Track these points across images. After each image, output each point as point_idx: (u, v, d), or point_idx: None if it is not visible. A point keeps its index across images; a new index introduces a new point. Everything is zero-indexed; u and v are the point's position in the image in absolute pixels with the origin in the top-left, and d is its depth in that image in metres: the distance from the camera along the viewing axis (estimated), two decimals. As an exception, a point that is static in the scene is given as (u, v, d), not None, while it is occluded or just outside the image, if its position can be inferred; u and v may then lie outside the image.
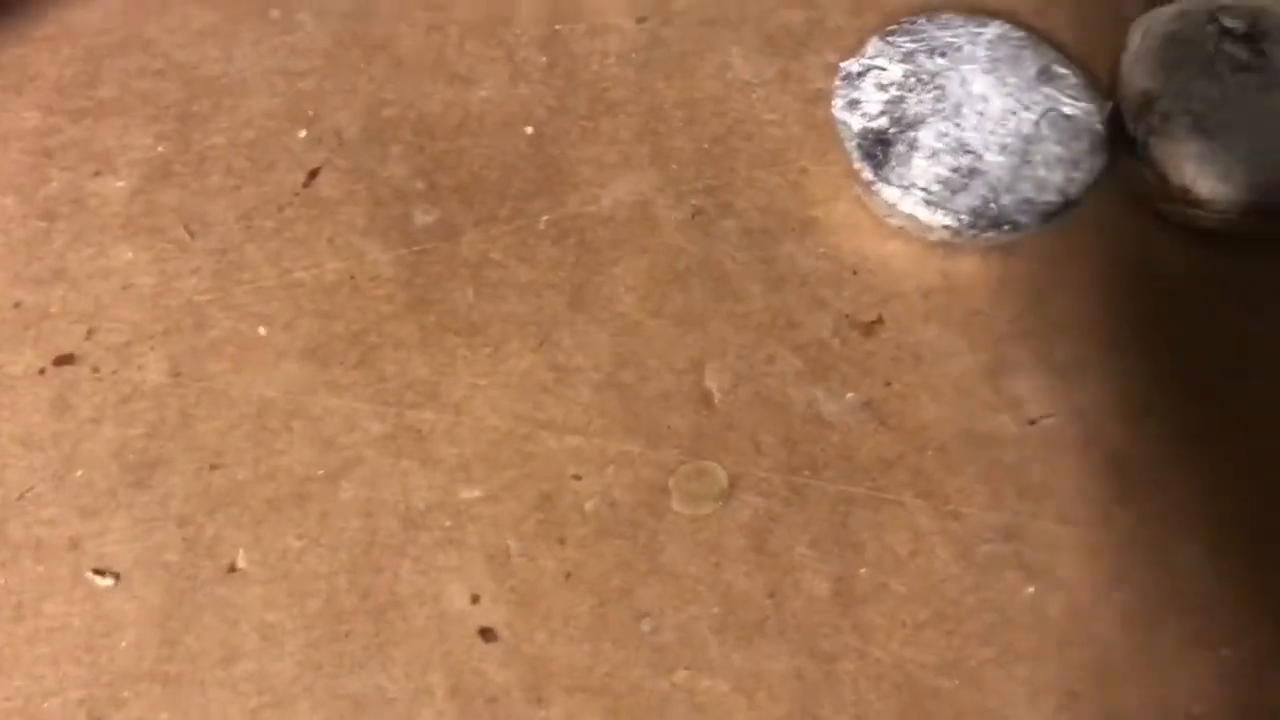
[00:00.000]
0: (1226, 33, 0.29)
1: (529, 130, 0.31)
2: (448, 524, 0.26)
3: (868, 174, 0.28)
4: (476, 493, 0.27)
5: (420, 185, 0.30)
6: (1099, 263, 0.29)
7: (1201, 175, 0.28)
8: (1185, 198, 0.28)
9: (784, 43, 0.33)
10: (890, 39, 0.30)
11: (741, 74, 0.32)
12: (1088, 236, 0.30)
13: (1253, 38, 0.29)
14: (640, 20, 0.33)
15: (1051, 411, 0.28)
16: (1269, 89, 0.28)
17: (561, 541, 0.26)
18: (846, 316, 0.29)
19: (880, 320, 0.29)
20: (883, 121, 0.29)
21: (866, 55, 0.30)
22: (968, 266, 0.29)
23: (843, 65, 0.30)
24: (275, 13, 0.33)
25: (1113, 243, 0.30)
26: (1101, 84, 0.30)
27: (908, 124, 0.29)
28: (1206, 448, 0.27)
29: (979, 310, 0.29)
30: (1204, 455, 0.27)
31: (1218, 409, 0.28)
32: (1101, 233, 0.30)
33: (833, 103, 0.29)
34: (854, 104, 0.29)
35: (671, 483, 0.27)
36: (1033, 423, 0.28)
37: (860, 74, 0.29)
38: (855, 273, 0.29)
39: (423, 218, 0.30)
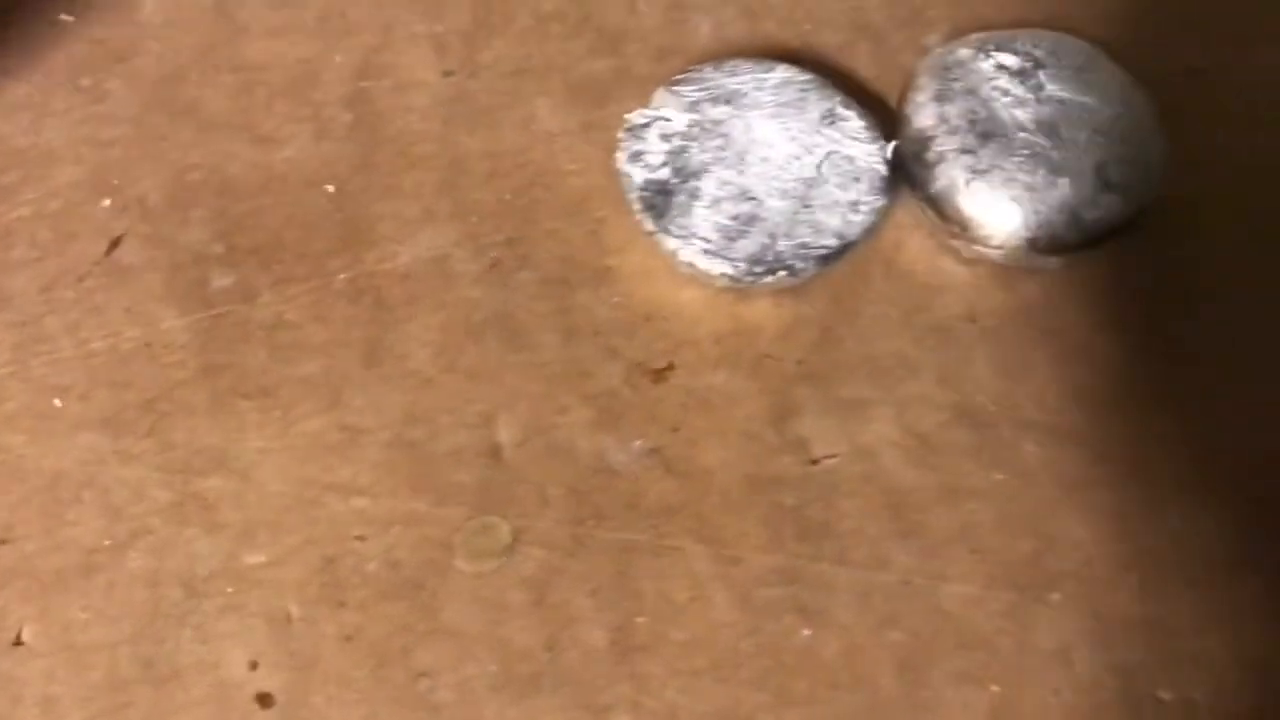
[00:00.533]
0: (1003, 69, 0.30)
1: (330, 188, 0.31)
2: (230, 590, 0.26)
3: (649, 225, 0.29)
4: (260, 558, 0.27)
5: (219, 248, 0.30)
6: (885, 301, 0.30)
7: (979, 212, 0.28)
8: (965, 234, 0.29)
9: (589, 92, 0.33)
10: (676, 89, 0.30)
11: (546, 125, 0.32)
12: (875, 275, 0.30)
13: (1027, 74, 0.30)
14: (447, 74, 0.33)
15: (834, 452, 0.28)
16: (1044, 126, 0.29)
17: (342, 604, 0.26)
18: (638, 364, 0.29)
19: (671, 367, 0.29)
20: (665, 172, 0.29)
21: (651, 106, 0.30)
22: (759, 309, 0.30)
23: (627, 117, 0.30)
24: (86, 81, 0.33)
25: (899, 281, 0.30)
26: (889, 125, 0.31)
27: (690, 173, 0.29)
28: (983, 484, 0.28)
29: (768, 353, 0.29)
30: (980, 491, 0.28)
31: (997, 443, 0.28)
32: (888, 271, 0.30)
33: (616, 155, 0.30)
34: (637, 155, 0.29)
35: (456, 540, 0.27)
36: (815, 463, 0.28)
37: (645, 125, 0.30)
38: (649, 320, 0.30)
39: (220, 281, 0.30)
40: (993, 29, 0.32)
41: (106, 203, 0.31)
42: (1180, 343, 0.29)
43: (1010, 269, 0.30)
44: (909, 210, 0.30)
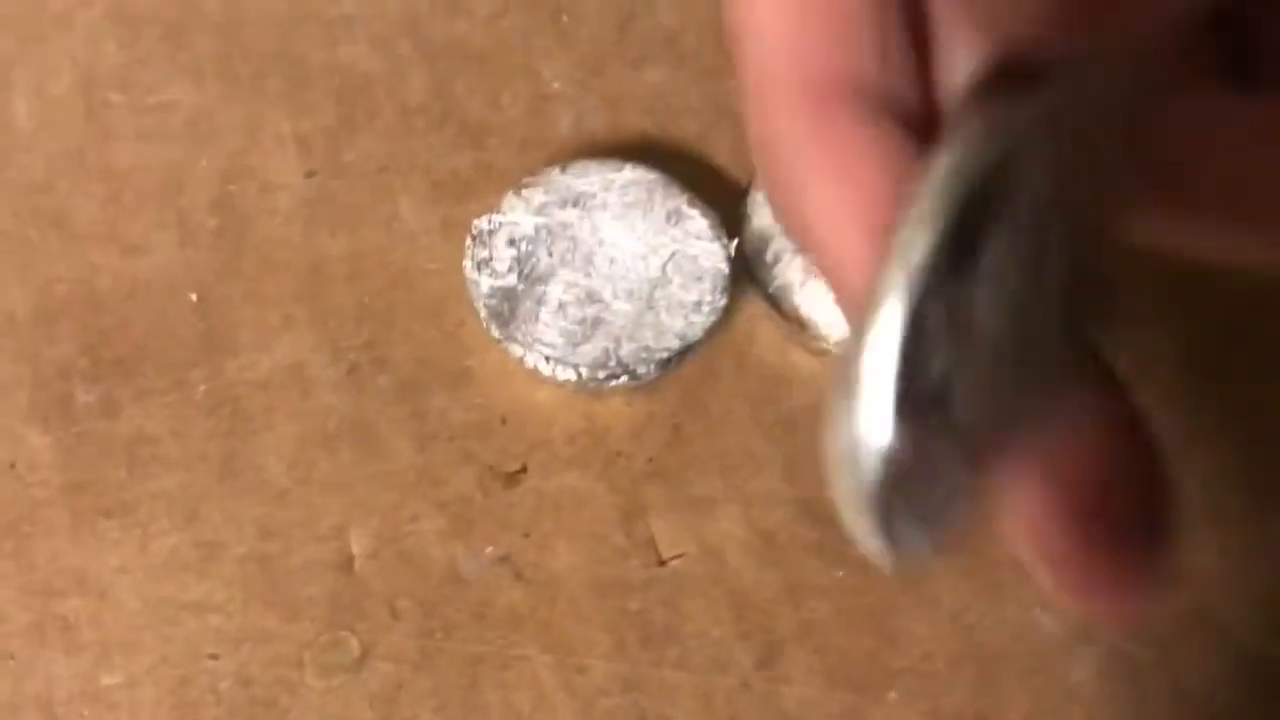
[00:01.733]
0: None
1: (194, 297, 0.32)
2: (86, 713, 0.27)
3: (495, 332, 0.29)
4: (116, 679, 0.27)
5: (84, 362, 0.31)
6: (735, 395, 0.30)
7: (815, 312, 0.29)
8: (804, 333, 0.29)
9: (450, 188, 0.33)
10: (524, 192, 0.31)
11: (408, 224, 0.33)
12: (726, 370, 0.31)
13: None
14: (310, 174, 0.34)
15: (681, 551, 0.29)
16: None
17: (195, 724, 0.27)
18: (491, 468, 0.30)
19: (524, 469, 0.30)
20: (511, 278, 0.30)
21: (500, 211, 0.31)
22: (611, 408, 0.30)
23: (475, 223, 0.30)
24: (-43, 192, 0.34)
25: (749, 374, 0.31)
26: (735, 223, 0.31)
27: (537, 278, 0.30)
28: (825, 581, 0.28)
29: (619, 451, 0.30)
30: (822, 588, 0.28)
31: (840, 539, 0.29)
32: (739, 365, 0.31)
33: (464, 263, 0.30)
34: (484, 263, 0.30)
35: (307, 656, 0.28)
36: (662, 564, 0.28)
37: (492, 231, 0.30)
38: (504, 422, 0.30)
39: (84, 396, 0.31)
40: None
41: (-25, 318, 0.32)
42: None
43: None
44: (758, 304, 0.31)
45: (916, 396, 0.13)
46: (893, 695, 0.27)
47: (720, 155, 0.33)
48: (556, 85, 0.34)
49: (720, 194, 0.32)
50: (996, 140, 0.13)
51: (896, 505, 0.14)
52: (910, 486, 0.14)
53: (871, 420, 0.13)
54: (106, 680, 0.27)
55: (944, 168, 0.13)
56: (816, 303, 0.29)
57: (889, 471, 0.13)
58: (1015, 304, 0.14)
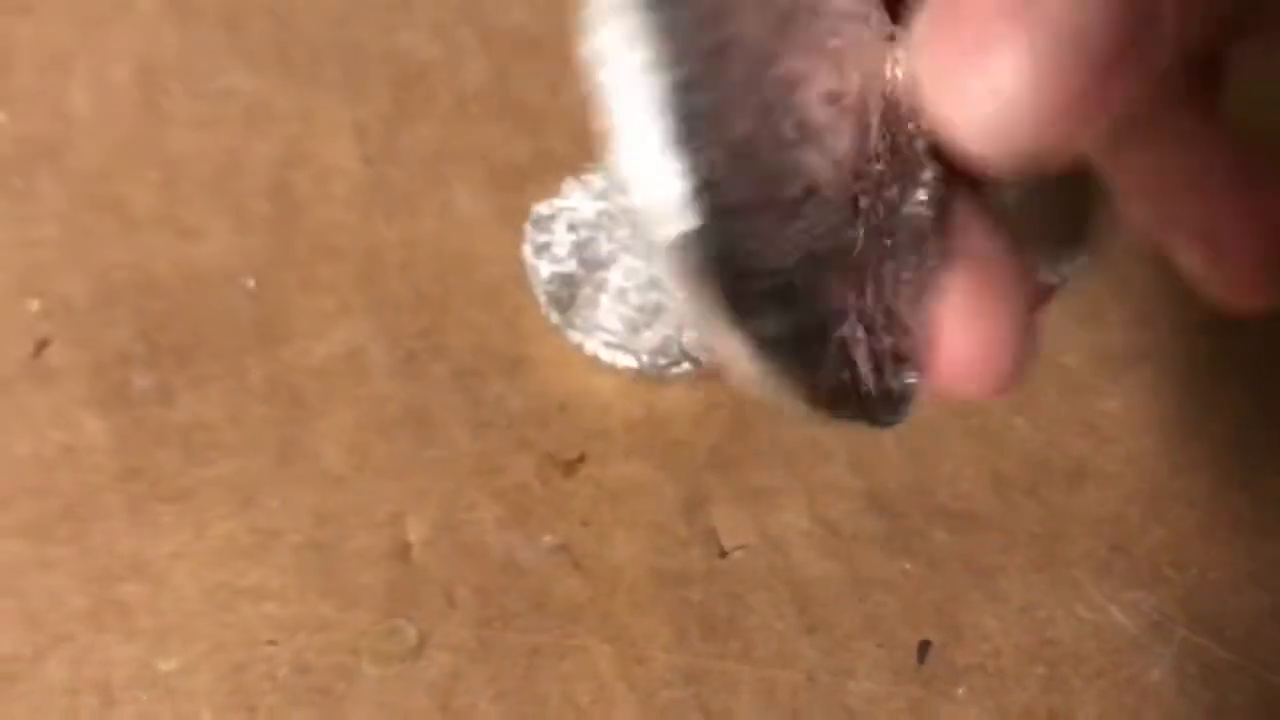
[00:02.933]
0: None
1: (250, 283, 0.32)
2: (144, 698, 0.27)
3: (554, 318, 0.29)
4: (173, 664, 0.27)
5: (141, 348, 0.31)
6: (797, 386, 0.30)
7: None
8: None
9: (508, 177, 0.33)
10: (584, 177, 0.30)
11: (464, 211, 0.33)
12: (788, 359, 0.30)
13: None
14: (367, 161, 0.33)
15: (743, 543, 0.28)
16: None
17: (252, 710, 0.27)
18: (549, 456, 0.29)
19: (582, 458, 0.29)
20: (571, 264, 0.29)
21: (560, 196, 0.30)
22: (672, 396, 0.30)
23: (534, 208, 0.30)
24: (18, 181, 0.34)
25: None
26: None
27: (597, 264, 0.29)
28: (892, 574, 0.27)
29: (680, 441, 0.29)
30: (888, 582, 0.27)
31: (907, 531, 0.28)
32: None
33: (523, 248, 0.30)
34: (543, 248, 0.29)
35: (363, 644, 0.27)
36: (724, 555, 0.28)
37: (551, 216, 0.30)
38: (563, 409, 0.30)
39: (140, 382, 0.30)
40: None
41: (34, 305, 0.32)
42: (1101, 421, 0.29)
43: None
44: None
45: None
46: (960, 691, 0.26)
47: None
48: (614, 72, 0.34)
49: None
50: None
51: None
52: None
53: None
54: (163, 665, 0.27)
55: None
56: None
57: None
58: None
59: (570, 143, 0.33)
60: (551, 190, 0.32)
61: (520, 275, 0.31)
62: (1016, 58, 0.14)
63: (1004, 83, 0.14)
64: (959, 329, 0.16)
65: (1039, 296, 0.18)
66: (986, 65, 0.14)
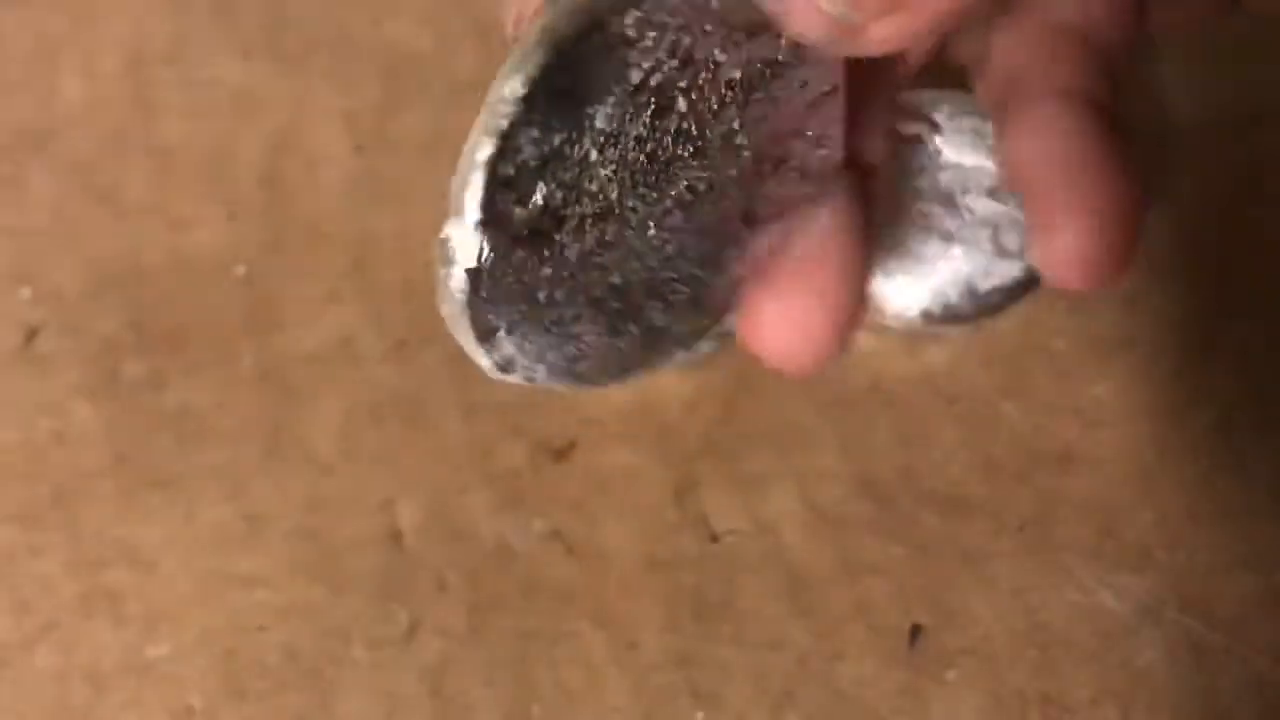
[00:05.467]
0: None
1: (241, 271, 0.32)
2: (134, 684, 0.27)
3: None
4: (163, 651, 0.27)
5: (131, 336, 0.31)
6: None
7: (873, 285, 0.28)
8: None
9: (498, 163, 0.33)
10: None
11: (455, 198, 0.33)
12: (779, 345, 0.30)
13: (923, 139, 0.29)
14: (358, 149, 0.33)
15: (735, 528, 0.28)
16: (939, 193, 0.29)
17: (242, 696, 0.27)
18: (540, 442, 0.29)
19: (573, 444, 0.29)
20: (561, 249, 0.29)
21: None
22: (663, 382, 0.30)
23: (524, 194, 0.30)
24: (8, 170, 0.34)
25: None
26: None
27: (587, 250, 0.29)
28: (882, 558, 0.27)
29: (671, 427, 0.29)
30: (879, 566, 0.27)
31: (897, 516, 0.28)
32: (792, 341, 0.30)
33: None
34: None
35: (355, 629, 0.27)
36: (715, 540, 0.28)
37: (541, 202, 0.30)
38: (553, 396, 0.30)
39: (131, 369, 0.30)
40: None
41: (26, 293, 0.32)
42: (1091, 406, 0.29)
43: (915, 337, 0.30)
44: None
45: (503, 212, 0.17)
46: (951, 675, 0.26)
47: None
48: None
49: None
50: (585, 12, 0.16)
51: (484, 306, 0.17)
52: (502, 295, 0.17)
53: (459, 222, 0.17)
54: (153, 652, 0.27)
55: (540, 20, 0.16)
56: (874, 276, 0.28)
57: (470, 273, 0.17)
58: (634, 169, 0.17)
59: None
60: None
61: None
62: None
63: None
64: (775, 316, 0.19)
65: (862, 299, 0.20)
66: None
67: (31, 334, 0.31)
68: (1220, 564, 0.27)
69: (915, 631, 0.27)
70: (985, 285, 0.28)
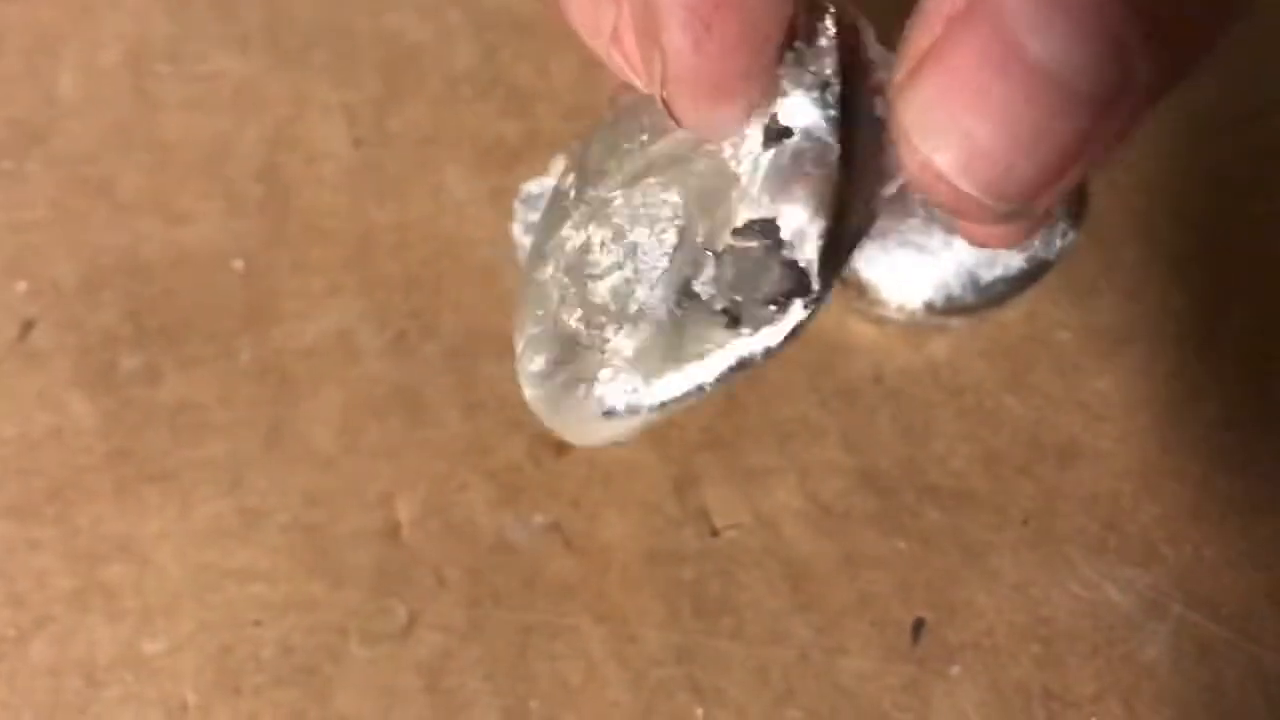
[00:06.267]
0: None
1: (239, 265, 0.31)
2: (129, 679, 0.27)
3: (544, 297, 0.29)
4: (159, 646, 0.27)
5: (128, 330, 0.31)
6: (791, 363, 0.29)
7: (874, 277, 0.28)
8: (863, 299, 0.28)
9: (498, 157, 0.33)
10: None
11: (455, 192, 0.32)
12: (780, 339, 0.30)
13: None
14: (357, 143, 0.33)
15: (736, 522, 0.28)
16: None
17: (237, 691, 0.26)
18: (540, 436, 0.29)
19: (573, 438, 0.29)
20: (561, 242, 0.29)
21: (549, 173, 0.30)
22: (663, 376, 0.29)
23: (522, 186, 0.30)
24: (7, 164, 0.33)
25: (805, 342, 0.29)
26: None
27: (587, 242, 0.29)
28: (884, 552, 0.27)
29: (672, 421, 0.29)
30: (881, 560, 0.27)
31: (900, 509, 0.28)
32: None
33: (512, 226, 0.29)
34: (532, 226, 0.29)
35: (352, 624, 0.27)
36: (716, 534, 0.28)
37: (540, 194, 0.30)
38: (553, 390, 0.30)
39: (128, 363, 0.30)
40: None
41: (22, 286, 0.32)
42: (1094, 400, 0.29)
43: (918, 328, 0.29)
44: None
45: None
46: (955, 669, 0.26)
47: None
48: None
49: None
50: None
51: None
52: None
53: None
54: (149, 646, 0.27)
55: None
56: (876, 267, 0.28)
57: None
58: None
59: (559, 121, 0.33)
60: (541, 169, 0.31)
61: (511, 256, 0.31)
62: (998, 111, 0.14)
63: (980, 132, 0.14)
64: None
65: None
66: (971, 112, 0.14)
67: (27, 327, 0.31)
68: (1225, 559, 0.27)
69: (918, 626, 0.26)
70: (988, 276, 0.28)
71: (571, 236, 0.20)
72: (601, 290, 0.19)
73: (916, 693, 0.26)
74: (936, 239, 0.28)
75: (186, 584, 0.28)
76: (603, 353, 0.18)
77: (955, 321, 0.29)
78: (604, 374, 0.18)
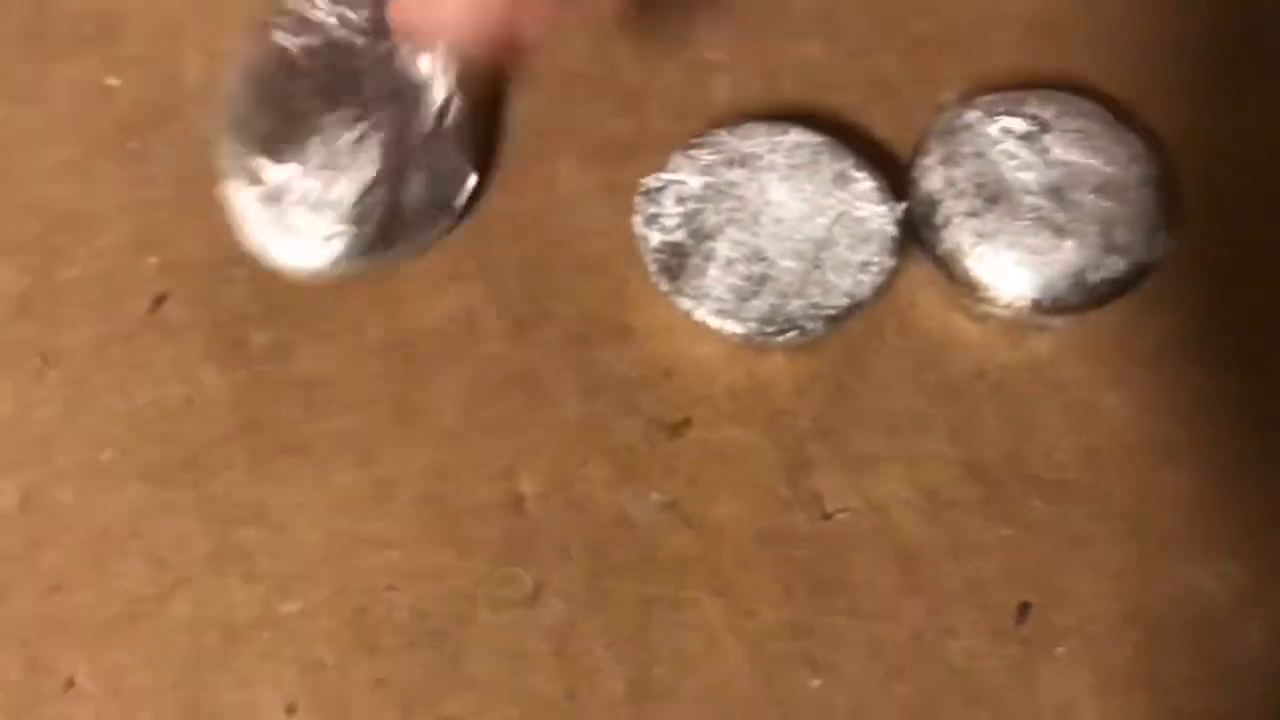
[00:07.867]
0: (1009, 133, 0.30)
1: (364, 248, 0.33)
2: (266, 637, 0.28)
3: (664, 286, 0.30)
4: (294, 607, 0.28)
5: (257, 307, 0.32)
6: (897, 357, 0.31)
7: (985, 275, 0.29)
8: (972, 295, 0.30)
9: (610, 152, 0.34)
10: (691, 152, 0.31)
11: (568, 184, 0.34)
12: (888, 331, 0.31)
13: (1033, 137, 0.30)
14: (475, 135, 0.34)
15: (846, 506, 0.29)
16: (1050, 189, 0.30)
17: (373, 652, 0.28)
18: (655, 419, 0.30)
19: (688, 422, 0.30)
20: (680, 234, 0.30)
21: (668, 170, 0.31)
22: (774, 365, 0.31)
23: (643, 181, 0.31)
24: (133, 144, 0.35)
25: (911, 337, 0.31)
26: (902, 183, 0.32)
27: (704, 235, 0.30)
28: (990, 540, 0.28)
29: (783, 408, 0.30)
30: (987, 547, 0.28)
31: (1005, 499, 0.29)
32: (901, 328, 0.31)
33: (633, 218, 0.31)
34: (653, 218, 0.30)
35: (480, 591, 0.28)
36: (827, 518, 0.29)
37: (660, 189, 0.31)
38: (668, 375, 0.31)
39: (259, 338, 0.31)
40: (1005, 87, 0.32)
41: (153, 261, 0.33)
42: (1188, 399, 0.30)
43: (1020, 326, 0.31)
44: (922, 267, 0.31)
45: None
46: (1060, 650, 0.27)
47: (880, 127, 0.34)
48: (713, 54, 0.35)
49: (881, 163, 0.32)
50: None
51: None
52: None
53: None
54: (285, 608, 0.28)
55: None
56: (987, 265, 0.29)
57: None
58: None
59: (669, 120, 0.34)
60: (651, 165, 0.33)
61: (625, 247, 0.32)
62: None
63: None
64: None
65: None
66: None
67: (159, 301, 0.32)
68: (1316, 554, 0.28)
69: (1023, 609, 0.28)
70: (1094, 278, 0.29)
71: None
72: None
73: (1023, 672, 0.27)
74: (1046, 241, 0.29)
75: (321, 550, 0.29)
76: None
77: (1057, 320, 0.30)
78: None
